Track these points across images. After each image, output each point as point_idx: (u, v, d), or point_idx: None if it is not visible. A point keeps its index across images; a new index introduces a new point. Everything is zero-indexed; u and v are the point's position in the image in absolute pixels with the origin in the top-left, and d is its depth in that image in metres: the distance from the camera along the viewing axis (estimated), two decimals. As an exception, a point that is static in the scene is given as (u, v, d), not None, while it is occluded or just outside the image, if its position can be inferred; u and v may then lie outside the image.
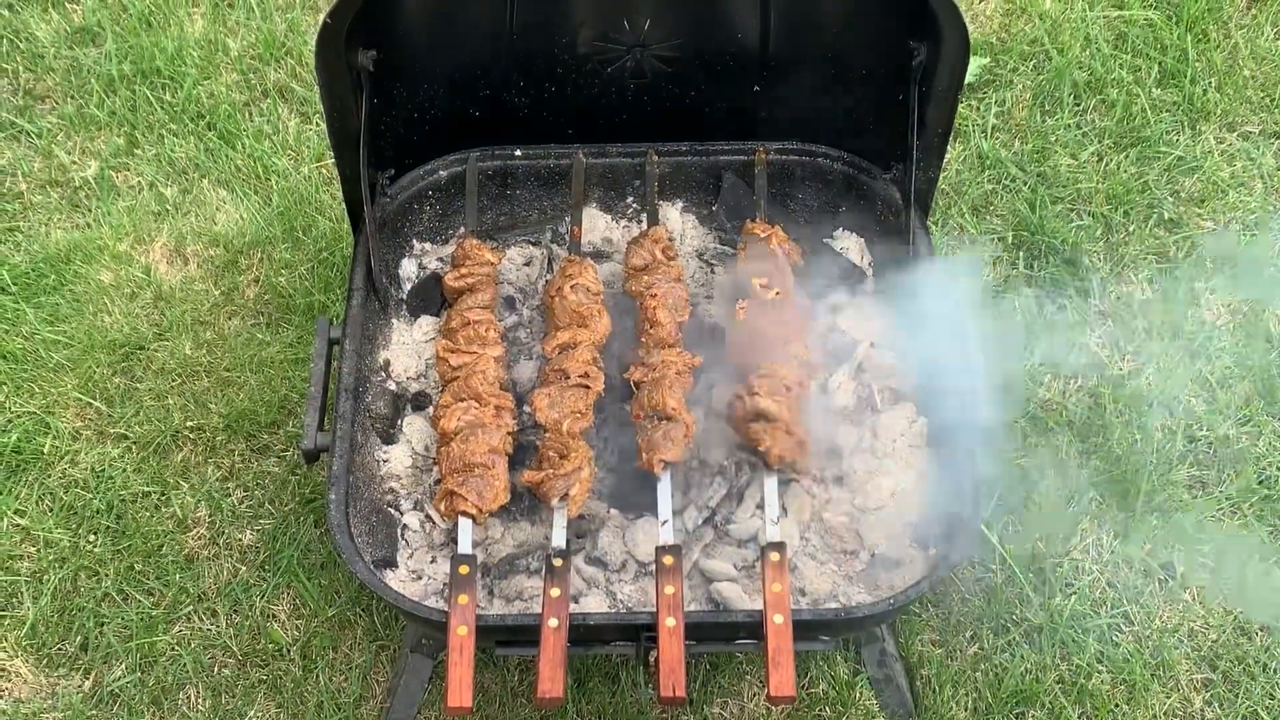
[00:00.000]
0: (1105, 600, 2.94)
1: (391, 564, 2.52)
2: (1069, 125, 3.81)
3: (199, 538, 3.02)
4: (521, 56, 2.80)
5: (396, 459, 2.66)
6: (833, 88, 2.83)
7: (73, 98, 3.88)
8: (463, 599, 2.25)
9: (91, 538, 3.01)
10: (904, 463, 2.63)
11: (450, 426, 2.50)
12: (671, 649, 2.20)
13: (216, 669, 2.84)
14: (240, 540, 3.02)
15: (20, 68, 3.95)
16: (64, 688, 2.81)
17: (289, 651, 2.86)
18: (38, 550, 2.99)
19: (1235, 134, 3.83)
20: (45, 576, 2.95)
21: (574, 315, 2.68)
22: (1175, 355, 3.34)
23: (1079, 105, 3.87)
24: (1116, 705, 2.80)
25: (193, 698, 2.80)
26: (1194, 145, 3.77)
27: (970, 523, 2.39)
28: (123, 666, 2.83)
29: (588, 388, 2.58)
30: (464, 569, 2.31)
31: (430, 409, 2.68)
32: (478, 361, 2.59)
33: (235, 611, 2.92)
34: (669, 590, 2.26)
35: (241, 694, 2.81)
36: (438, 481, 2.52)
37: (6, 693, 2.81)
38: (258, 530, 3.03)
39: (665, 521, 2.41)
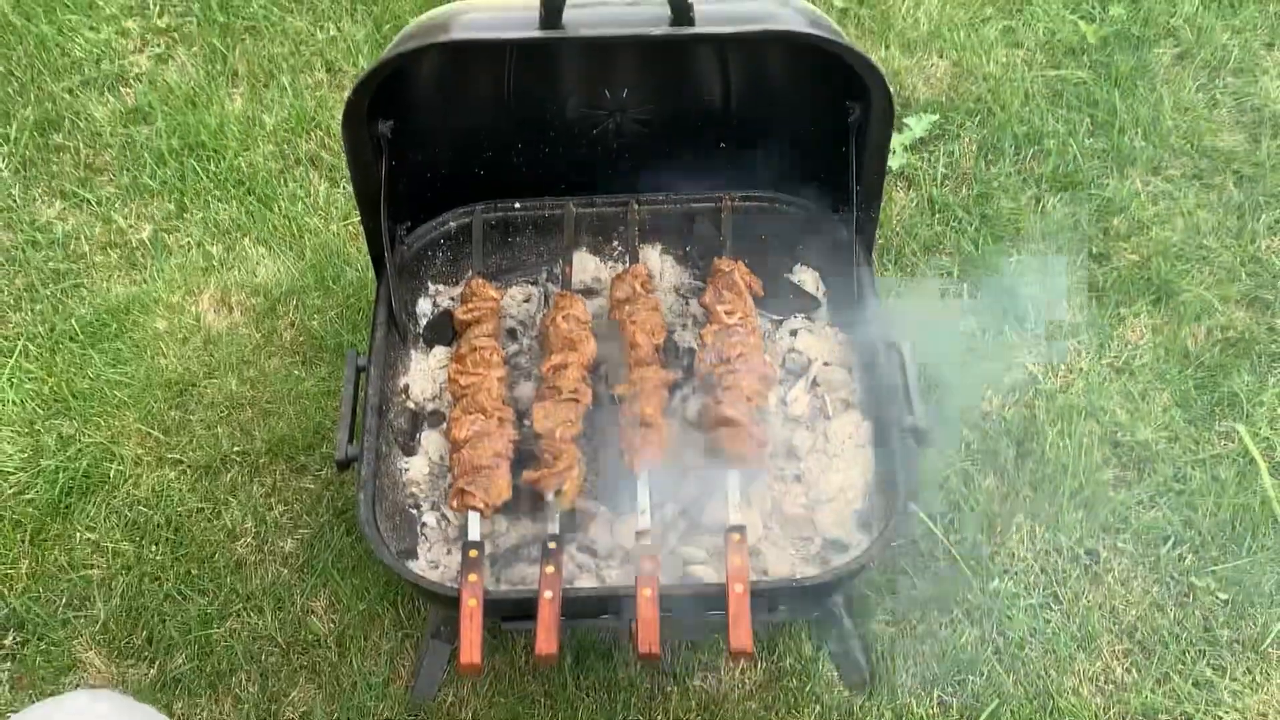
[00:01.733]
0: (1037, 583, 3.28)
1: (412, 555, 2.88)
2: (1010, 173, 4.18)
3: (246, 546, 3.38)
4: (518, 122, 3.17)
5: (416, 468, 3.03)
6: (786, 142, 3.19)
7: (128, 170, 4.29)
8: (472, 577, 2.60)
9: (153, 548, 3.38)
10: (851, 461, 2.98)
11: (461, 435, 2.87)
12: (647, 613, 2.54)
13: (264, 657, 3.19)
14: (282, 548, 3.38)
15: (81, 144, 4.37)
16: (133, 675, 3.17)
17: (326, 641, 3.21)
18: (106, 560, 3.36)
19: (1159, 177, 4.19)
20: (114, 581, 3.31)
21: (565, 341, 3.05)
22: (1102, 371, 3.69)
23: (1019, 154, 4.24)
24: (1046, 672, 3.14)
25: (243, 681, 3.15)
26: (1121, 188, 4.14)
27: (901, 504, 2.74)
28: (183, 656, 3.19)
29: (577, 401, 2.95)
30: (473, 553, 2.67)
31: (444, 424, 3.05)
32: (484, 381, 2.97)
33: (279, 608, 3.27)
34: (646, 567, 2.62)
35: (285, 677, 3.15)
36: (451, 484, 2.89)
37: (84, 681, 3.17)
38: (297, 539, 3.40)
39: (644, 511, 2.75)
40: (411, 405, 3.14)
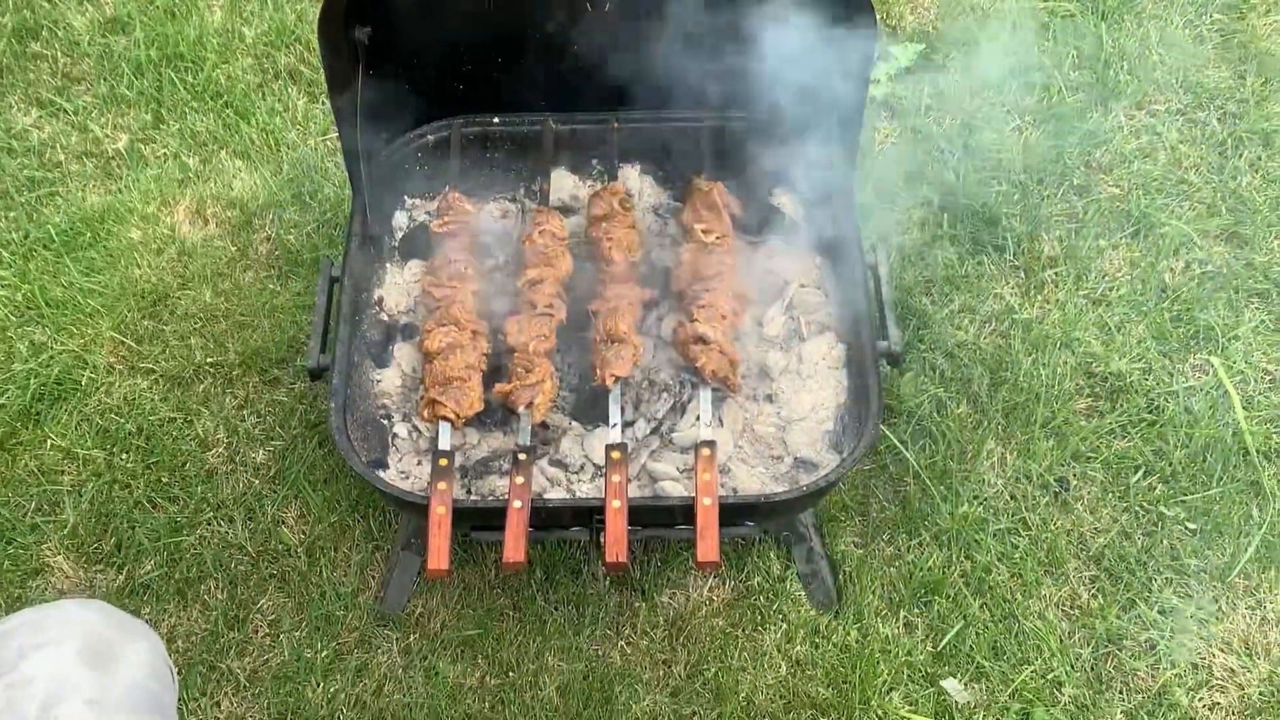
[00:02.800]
0: (1006, 509, 3.27)
1: (383, 465, 2.85)
2: (994, 104, 4.14)
3: (218, 456, 3.35)
4: (498, 33, 3.10)
5: (388, 379, 2.99)
6: (768, 62, 3.13)
7: (105, 79, 4.21)
8: (441, 485, 2.58)
9: (124, 455, 3.34)
10: (823, 382, 2.96)
11: (433, 347, 2.83)
12: (616, 524, 2.52)
13: (233, 565, 3.17)
14: (254, 458, 3.35)
15: (59, 53, 4.29)
16: (100, 580, 3.15)
17: (296, 551, 3.19)
18: (77, 466, 3.32)
19: (1144, 111, 4.15)
20: (84, 488, 3.27)
21: (541, 257, 3.00)
22: (1079, 303, 3.67)
23: (1003, 87, 4.19)
24: (1012, 595, 3.13)
25: (212, 589, 3.13)
26: (1105, 121, 4.10)
27: (872, 425, 2.72)
28: (151, 563, 3.16)
29: (551, 315, 2.91)
30: (443, 461, 2.64)
31: (417, 337, 3.01)
32: (457, 293, 2.93)
33: (250, 518, 3.25)
34: (615, 479, 2.59)
35: (255, 586, 3.13)
36: (422, 395, 2.85)
37: (51, 585, 3.15)
38: (269, 450, 3.36)
39: (615, 425, 2.73)
40: (385, 317, 3.10)
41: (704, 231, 3.04)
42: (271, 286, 3.69)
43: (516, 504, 2.56)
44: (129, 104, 4.14)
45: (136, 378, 3.49)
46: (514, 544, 2.51)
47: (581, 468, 2.87)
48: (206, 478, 3.31)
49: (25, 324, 3.61)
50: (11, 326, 3.59)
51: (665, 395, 2.94)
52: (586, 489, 2.83)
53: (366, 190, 3.06)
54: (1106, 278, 3.72)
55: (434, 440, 2.78)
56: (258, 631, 3.08)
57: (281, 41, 4.30)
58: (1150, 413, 3.44)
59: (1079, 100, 4.15)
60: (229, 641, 3.06)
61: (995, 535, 3.21)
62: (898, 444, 3.31)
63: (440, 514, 2.54)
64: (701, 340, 2.83)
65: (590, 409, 2.96)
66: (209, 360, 3.52)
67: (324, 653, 3.03)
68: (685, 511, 2.61)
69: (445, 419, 2.74)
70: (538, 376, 2.78)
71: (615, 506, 2.55)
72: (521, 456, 2.64)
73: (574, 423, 2.94)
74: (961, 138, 4.05)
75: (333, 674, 3.01)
